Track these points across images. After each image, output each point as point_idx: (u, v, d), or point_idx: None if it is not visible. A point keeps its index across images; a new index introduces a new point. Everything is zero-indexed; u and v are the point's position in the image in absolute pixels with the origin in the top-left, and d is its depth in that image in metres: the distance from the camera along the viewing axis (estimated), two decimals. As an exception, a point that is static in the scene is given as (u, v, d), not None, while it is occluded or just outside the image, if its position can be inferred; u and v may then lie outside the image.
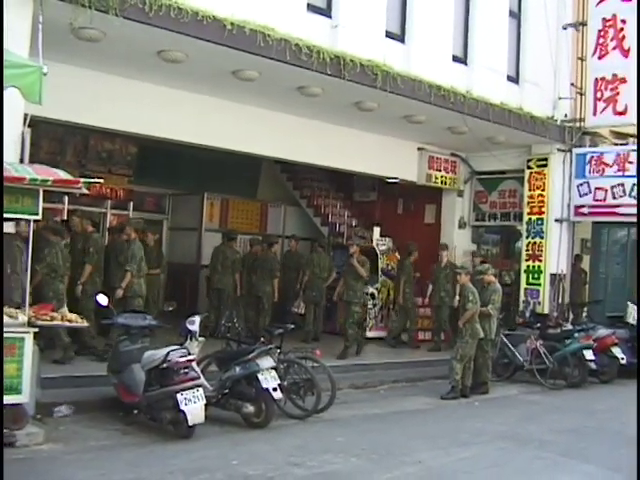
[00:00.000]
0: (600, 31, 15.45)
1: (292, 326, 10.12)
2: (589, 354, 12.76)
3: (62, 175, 7.39)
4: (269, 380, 8.62)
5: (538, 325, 13.55)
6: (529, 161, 15.98)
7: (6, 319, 7.38)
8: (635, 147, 14.74)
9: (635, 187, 14.49)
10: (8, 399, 7.24)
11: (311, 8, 11.78)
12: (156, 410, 8.17)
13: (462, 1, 14.54)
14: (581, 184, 15.56)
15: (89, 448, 7.54)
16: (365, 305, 15.57)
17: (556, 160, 15.67)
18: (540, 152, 15.83)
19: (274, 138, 13.52)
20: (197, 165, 16.75)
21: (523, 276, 15.90)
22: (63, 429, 8.12)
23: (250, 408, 8.70)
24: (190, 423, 7.88)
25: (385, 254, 16.28)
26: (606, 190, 15.12)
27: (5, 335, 7.22)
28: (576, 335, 13.09)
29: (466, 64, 14.52)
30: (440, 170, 16.78)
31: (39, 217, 7.49)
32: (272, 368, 8.79)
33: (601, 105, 15.45)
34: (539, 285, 15.67)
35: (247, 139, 13.10)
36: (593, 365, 12.85)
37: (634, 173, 14.50)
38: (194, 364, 8.27)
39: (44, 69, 6.60)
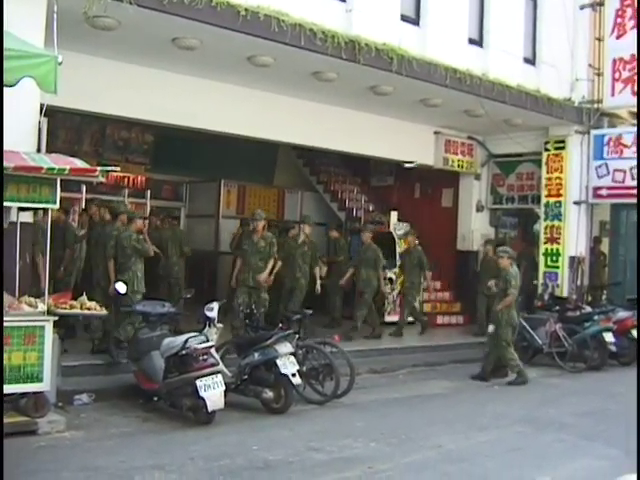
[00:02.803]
0: (618, 10, 15.33)
1: (310, 312, 10.13)
2: (609, 336, 12.69)
3: (79, 164, 7.43)
4: (288, 366, 8.64)
5: (557, 308, 13.50)
6: (547, 143, 15.84)
7: (26, 308, 7.46)
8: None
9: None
10: (29, 387, 7.34)
11: (325, -8, 11.72)
12: (176, 397, 8.22)
13: (477, -17, 14.42)
14: (599, 166, 15.42)
15: (110, 435, 7.60)
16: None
17: (574, 142, 15.53)
18: (558, 134, 15.69)
19: (291, 124, 13.51)
20: (214, 152, 16.75)
21: (542, 259, 15.83)
22: (84, 417, 8.18)
23: (269, 394, 8.73)
24: (210, 409, 7.92)
25: (402, 239, 16.23)
26: (625, 171, 14.98)
27: (25, 324, 7.30)
28: (595, 318, 13.02)
29: (482, 46, 14.38)
30: (457, 153, 16.70)
31: (57, 206, 7.54)
32: (291, 354, 8.81)
33: (619, 86, 15.32)
34: (558, 268, 15.58)
35: (264, 125, 13.09)
36: (613, 348, 12.76)
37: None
38: (213, 351, 8.30)
39: (59, 58, 6.58)
